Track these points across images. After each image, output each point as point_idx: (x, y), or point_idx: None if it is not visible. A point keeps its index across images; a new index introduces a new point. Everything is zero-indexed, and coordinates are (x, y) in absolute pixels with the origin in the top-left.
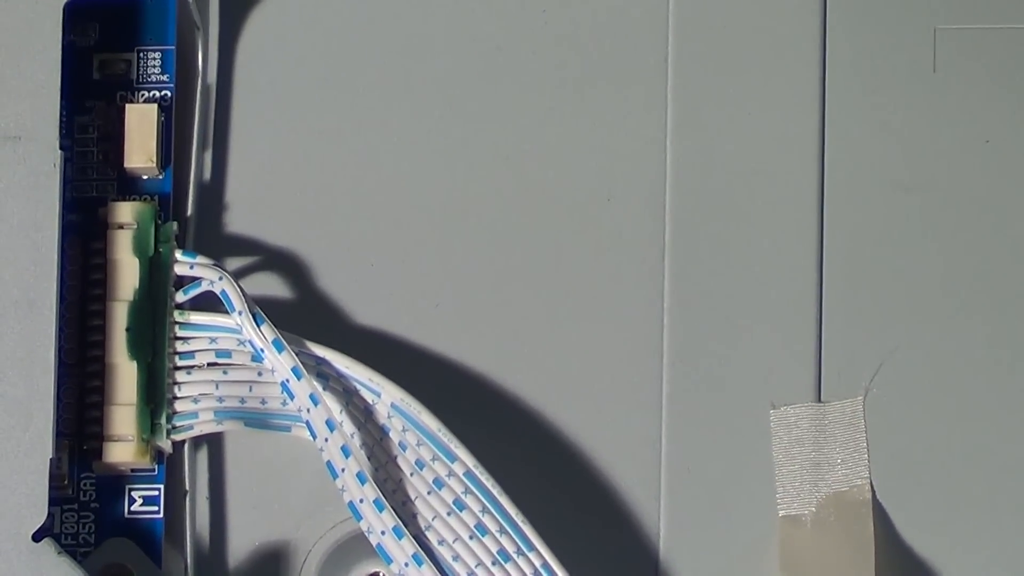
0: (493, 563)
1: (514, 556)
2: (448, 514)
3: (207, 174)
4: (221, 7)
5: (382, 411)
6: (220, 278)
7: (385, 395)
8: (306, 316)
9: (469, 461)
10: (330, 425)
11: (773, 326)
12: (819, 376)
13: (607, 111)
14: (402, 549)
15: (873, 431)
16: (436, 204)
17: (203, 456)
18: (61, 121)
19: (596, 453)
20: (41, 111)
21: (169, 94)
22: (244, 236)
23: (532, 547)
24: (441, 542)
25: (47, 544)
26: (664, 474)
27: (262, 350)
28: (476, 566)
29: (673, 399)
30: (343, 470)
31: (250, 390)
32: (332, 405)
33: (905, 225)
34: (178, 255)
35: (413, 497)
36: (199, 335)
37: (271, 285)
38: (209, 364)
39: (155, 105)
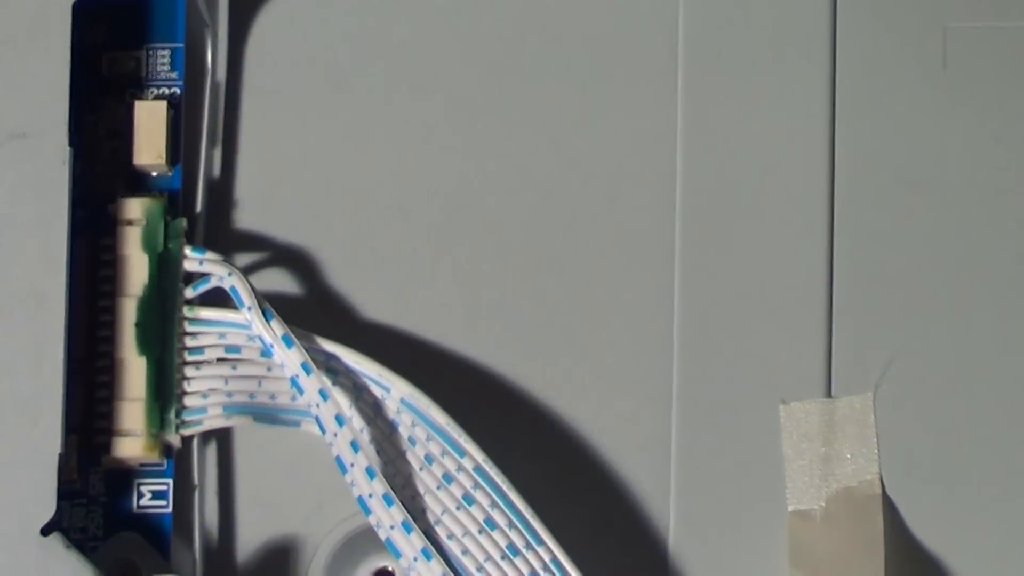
0: (502, 558)
1: (523, 551)
2: (457, 509)
3: (216, 171)
4: (230, 4)
5: (391, 406)
6: (229, 274)
7: (395, 390)
8: (316, 311)
9: (478, 456)
10: (339, 420)
11: (783, 322)
12: (829, 371)
13: (617, 110)
14: (411, 544)
15: (883, 426)
16: (445, 201)
17: (212, 451)
18: (70, 118)
19: (606, 448)
20: (50, 108)
21: (178, 91)
22: (253, 232)
23: (541, 542)
24: (450, 537)
25: (56, 538)
26: (674, 469)
27: (271, 345)
28: (485, 561)
29: (683, 394)
30: (352, 465)
31: (259, 385)
32: (341, 400)
33: (915, 222)
34: (187, 251)
35: (422, 492)
36: (208, 331)
37: (280, 281)
38: (218, 359)
39: (164, 102)
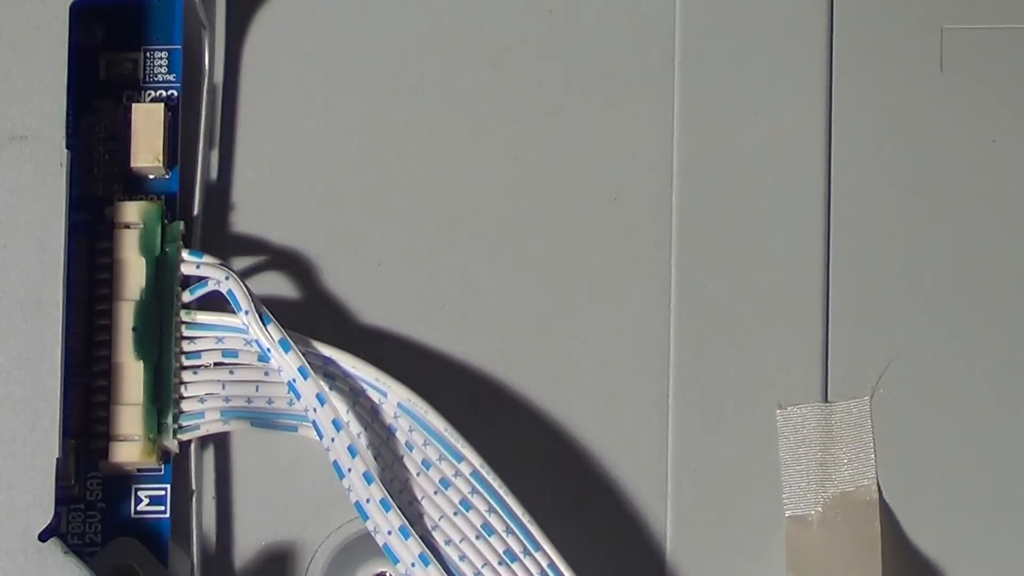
0: (499, 563)
1: (520, 556)
2: (454, 514)
3: (213, 174)
4: (228, 6)
5: (388, 411)
6: (226, 277)
7: (391, 395)
8: (312, 316)
9: (475, 461)
10: (336, 425)
11: (780, 326)
12: (826, 376)
13: (614, 111)
14: (408, 549)
15: (879, 431)
16: (443, 204)
17: (209, 456)
18: (68, 121)
19: (603, 453)
20: (47, 111)
21: (175, 93)
22: (250, 236)
23: (539, 547)
24: (447, 542)
25: (53, 544)
26: (671, 474)
27: (268, 350)
28: (483, 566)
29: (680, 399)
30: (349, 470)
31: (256, 390)
32: (338, 405)
33: (912, 225)
34: (184, 255)
35: (419, 497)
36: (205, 335)
37: (277, 285)
38: (215, 364)
39: (161, 105)
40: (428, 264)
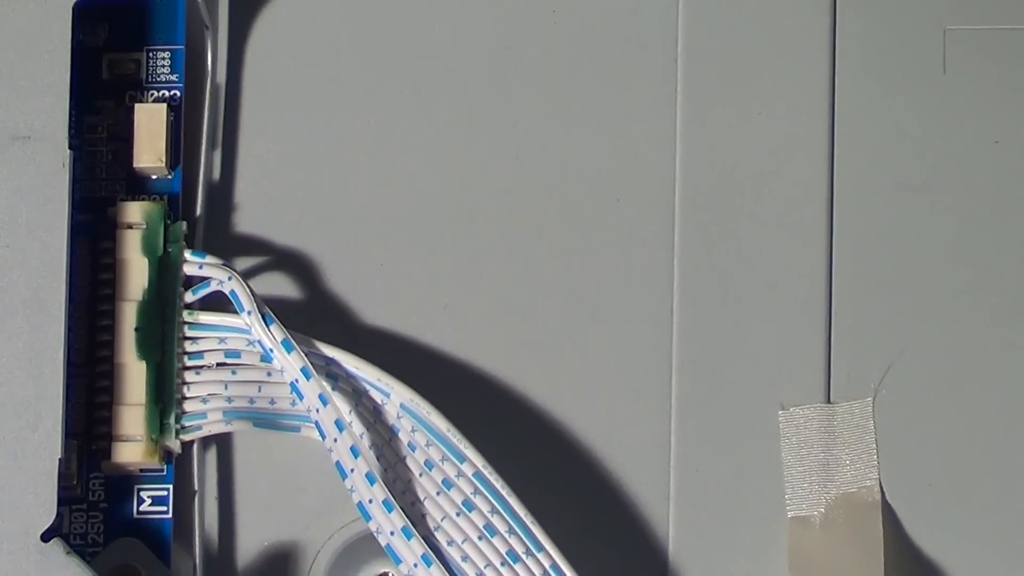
0: (502, 564)
1: (523, 557)
2: (457, 514)
3: (216, 174)
4: (230, 7)
5: (391, 411)
6: (229, 278)
7: (394, 395)
8: (315, 316)
9: (478, 461)
10: (339, 425)
11: (782, 327)
12: (828, 377)
13: (616, 111)
14: (411, 550)
15: (882, 432)
16: (445, 204)
17: (212, 456)
18: (70, 121)
19: (605, 453)
20: (50, 111)
21: (178, 94)
22: (253, 236)
23: (541, 548)
24: (450, 543)
25: (56, 544)
26: (673, 475)
27: (271, 350)
28: (485, 567)
29: (682, 400)
30: (352, 470)
31: (259, 390)
32: (341, 405)
33: (914, 226)
34: (187, 255)
35: (422, 498)
36: (208, 335)
37: (280, 285)
38: (218, 364)
39: (164, 105)
40: (431, 264)
